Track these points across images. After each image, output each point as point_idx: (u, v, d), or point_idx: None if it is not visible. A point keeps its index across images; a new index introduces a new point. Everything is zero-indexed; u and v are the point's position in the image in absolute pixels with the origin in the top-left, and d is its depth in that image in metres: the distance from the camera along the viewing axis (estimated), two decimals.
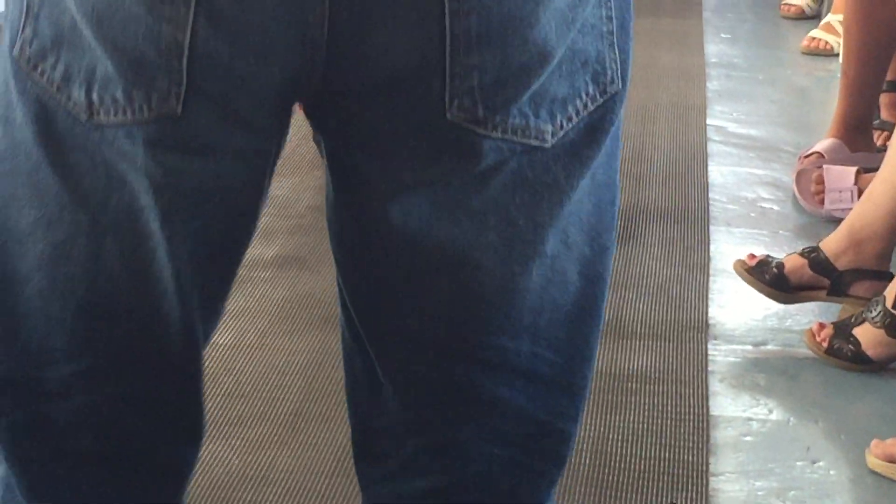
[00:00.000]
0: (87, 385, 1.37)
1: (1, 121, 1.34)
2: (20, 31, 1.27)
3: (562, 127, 1.29)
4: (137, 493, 1.43)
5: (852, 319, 2.95)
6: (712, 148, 4.13)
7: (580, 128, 1.31)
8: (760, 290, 3.08)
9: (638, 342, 3.04)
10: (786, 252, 3.37)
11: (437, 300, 1.36)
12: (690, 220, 3.63)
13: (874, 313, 2.89)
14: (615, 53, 1.32)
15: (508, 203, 1.32)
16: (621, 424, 2.71)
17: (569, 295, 1.38)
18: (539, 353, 1.38)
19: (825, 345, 2.95)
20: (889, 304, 2.88)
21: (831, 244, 3.07)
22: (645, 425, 2.72)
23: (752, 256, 3.12)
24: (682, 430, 2.69)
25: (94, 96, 1.25)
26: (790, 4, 5.49)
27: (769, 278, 3.05)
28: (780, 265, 3.07)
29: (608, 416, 2.73)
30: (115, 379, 1.38)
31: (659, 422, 2.72)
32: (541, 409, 1.41)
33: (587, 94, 1.31)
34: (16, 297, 1.36)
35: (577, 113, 1.30)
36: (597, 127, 1.32)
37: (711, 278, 3.32)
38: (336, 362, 2.77)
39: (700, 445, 2.66)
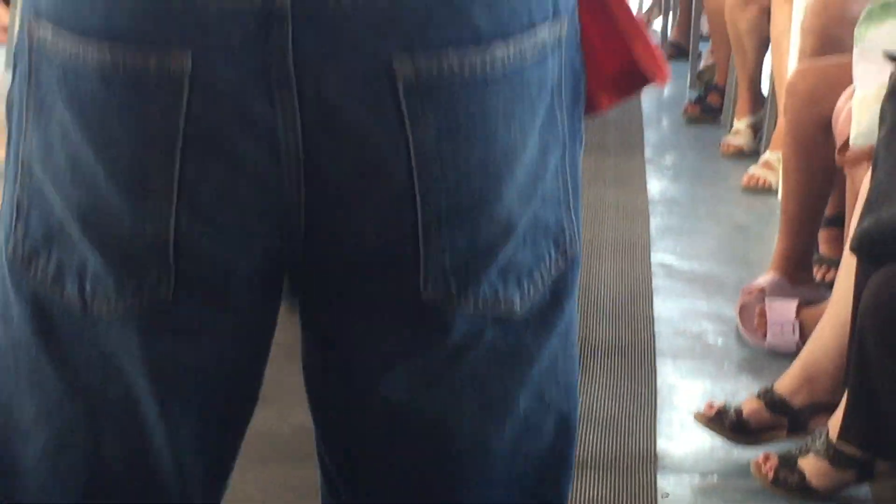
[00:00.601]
0: None
1: None
2: (13, 231, 1.29)
3: (529, 294, 1.31)
4: None
5: (797, 451, 2.95)
6: (657, 283, 4.14)
7: (546, 293, 1.32)
8: (723, 436, 3.08)
9: (589, 473, 3.02)
10: (731, 385, 3.43)
11: (416, 460, 1.36)
12: (637, 353, 3.64)
13: (818, 445, 2.91)
14: (572, 217, 1.33)
15: (483, 374, 1.32)
16: None
17: (543, 444, 1.38)
18: (512, 502, 1.39)
19: (771, 475, 2.94)
20: (832, 436, 2.86)
21: (785, 384, 3.08)
22: None
23: (710, 406, 3.10)
24: None
25: (87, 290, 1.26)
26: (729, 142, 5.54)
27: (729, 425, 3.05)
28: (739, 411, 3.06)
29: None
30: None
31: None
32: None
33: (550, 260, 1.32)
34: (22, 490, 1.36)
35: (543, 279, 1.32)
36: (561, 289, 1.34)
37: (659, 410, 3.31)
38: (295, 499, 2.78)
39: None
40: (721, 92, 6.06)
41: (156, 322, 1.27)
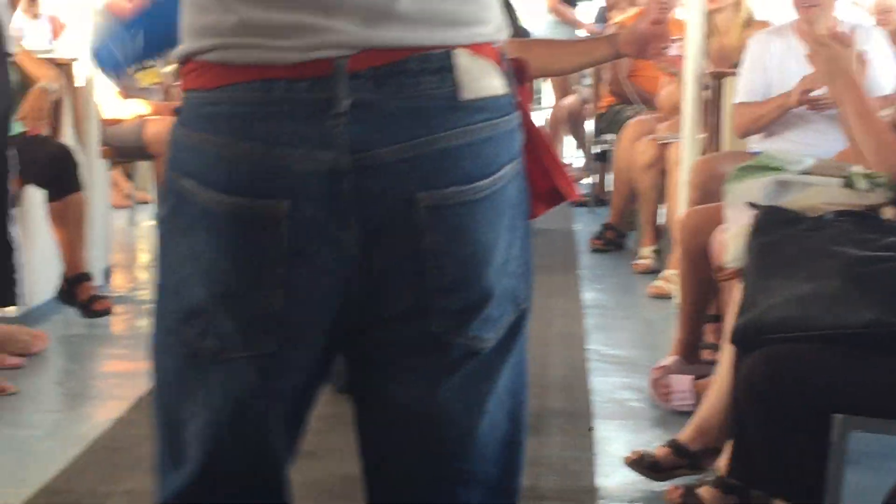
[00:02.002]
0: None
1: (165, 352, 1.43)
2: (171, 304, 1.41)
3: (496, 334, 1.38)
4: None
5: (696, 483, 2.89)
6: (591, 365, 4.11)
7: (504, 333, 1.39)
8: (644, 474, 3.04)
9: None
10: (648, 436, 3.40)
11: (426, 444, 1.42)
12: (580, 415, 3.60)
13: (711, 478, 2.87)
14: (525, 285, 1.41)
15: (467, 384, 1.39)
16: None
17: (502, 432, 1.44)
18: (489, 469, 1.44)
19: (678, 501, 2.88)
20: (721, 472, 2.80)
21: (686, 435, 3.04)
22: None
23: (634, 452, 3.07)
24: None
25: (221, 343, 1.36)
26: (639, 263, 5.50)
27: (647, 466, 3.02)
28: (654, 455, 3.03)
29: None
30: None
31: None
32: None
33: (509, 313, 1.39)
34: (182, 453, 1.43)
35: (504, 325, 1.39)
36: (514, 331, 1.41)
37: (596, 456, 3.29)
38: None
39: None
40: (615, 230, 6.01)
41: (263, 364, 1.36)
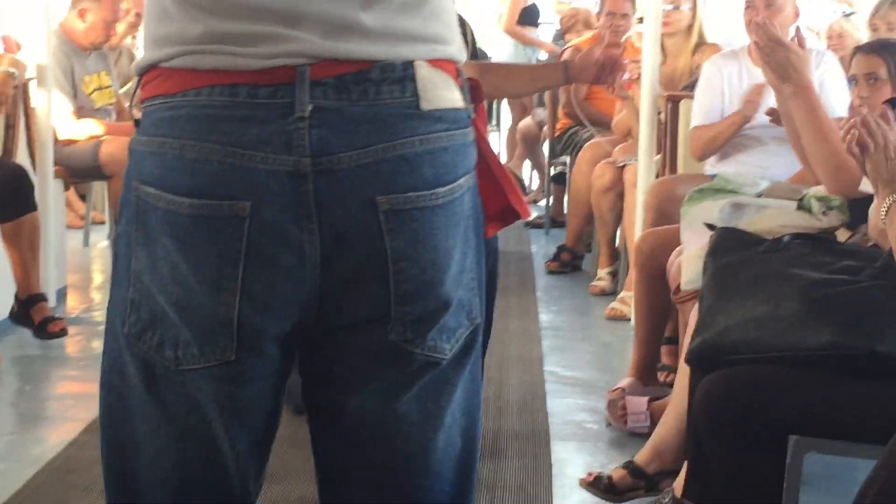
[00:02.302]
0: None
1: (118, 374, 1.40)
2: (128, 317, 1.37)
3: (452, 346, 1.40)
4: None
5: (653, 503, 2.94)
6: (549, 387, 4.10)
7: (460, 346, 1.41)
8: (600, 496, 3.02)
9: None
10: (605, 458, 3.40)
11: (382, 457, 1.43)
12: (537, 437, 3.60)
13: (666, 500, 2.87)
14: (478, 300, 1.43)
15: (424, 397, 1.41)
16: None
17: (457, 450, 1.46)
18: (444, 487, 1.46)
19: None
20: (677, 494, 2.78)
21: (642, 457, 3.03)
22: None
23: (590, 474, 3.07)
24: None
25: (179, 353, 1.35)
26: (596, 285, 5.50)
27: (604, 487, 3.01)
28: (610, 477, 3.02)
29: None
30: None
31: None
32: None
33: (464, 326, 1.41)
34: (134, 487, 1.42)
35: (459, 338, 1.41)
36: (469, 344, 1.43)
37: (554, 478, 3.28)
38: None
39: None
40: (570, 252, 6.01)
41: (222, 373, 1.35)
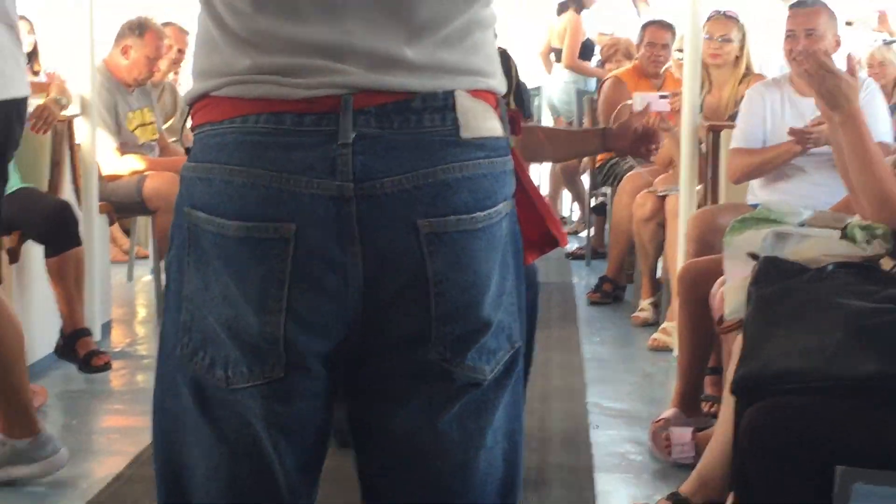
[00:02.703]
0: None
1: (171, 396, 1.43)
2: (180, 340, 1.40)
3: (493, 368, 1.41)
4: None
5: None
6: (592, 418, 4.10)
7: (501, 368, 1.42)
8: None
9: None
10: (650, 490, 3.39)
11: (422, 476, 1.44)
12: (581, 469, 3.59)
13: None
14: (518, 324, 1.44)
15: (465, 416, 1.42)
16: None
17: (499, 473, 1.46)
18: None
19: None
20: None
21: (687, 487, 3.03)
22: None
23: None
24: None
25: (229, 373, 1.37)
26: (638, 315, 5.51)
27: None
28: None
29: None
30: None
31: None
32: None
33: (504, 349, 1.42)
34: (190, 502, 1.44)
35: (500, 360, 1.42)
36: (510, 367, 1.44)
37: None
38: None
39: None
40: (612, 282, 6.02)
41: (270, 391, 1.37)
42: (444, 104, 1.35)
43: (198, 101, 1.39)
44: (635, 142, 3.28)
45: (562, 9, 8.70)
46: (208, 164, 1.37)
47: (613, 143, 3.35)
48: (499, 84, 1.43)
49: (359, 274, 1.35)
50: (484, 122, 1.38)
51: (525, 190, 1.48)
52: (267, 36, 1.34)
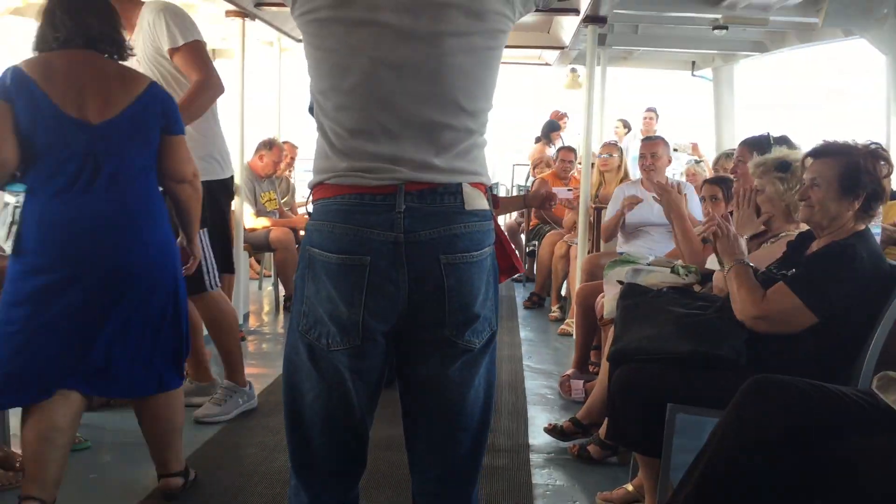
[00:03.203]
0: (329, 446, 1.43)
1: (294, 352, 1.41)
2: (301, 320, 1.39)
3: (481, 341, 1.40)
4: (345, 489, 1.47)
5: (587, 442, 2.88)
6: (526, 374, 4.06)
7: (485, 342, 1.41)
8: (556, 437, 2.99)
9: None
10: (558, 415, 3.35)
11: (436, 402, 1.42)
12: (519, 403, 3.55)
13: (595, 440, 2.86)
14: (495, 315, 1.43)
15: (464, 368, 1.40)
16: None
17: (481, 402, 1.44)
18: (474, 424, 1.44)
19: (576, 452, 2.87)
20: (602, 436, 2.82)
21: (581, 414, 3.02)
22: None
23: (550, 424, 3.04)
24: None
25: (329, 341, 1.37)
26: (552, 315, 5.41)
27: (558, 432, 2.99)
28: (562, 426, 3.00)
29: None
30: (337, 442, 1.43)
31: None
32: (477, 447, 1.47)
33: (487, 331, 1.41)
34: (301, 416, 1.43)
35: (484, 337, 1.41)
36: (489, 342, 1.42)
37: (529, 427, 3.21)
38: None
39: None
40: (538, 295, 5.93)
41: (353, 353, 1.36)
42: (455, 190, 1.35)
43: (315, 187, 1.40)
44: (542, 200, 3.30)
45: (537, 140, 8.47)
46: (321, 222, 1.37)
47: (530, 202, 3.37)
48: (487, 180, 1.43)
49: (405, 286, 1.34)
50: (477, 201, 1.38)
51: (499, 238, 1.48)
52: (357, 150, 1.34)
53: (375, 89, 1.31)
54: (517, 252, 1.43)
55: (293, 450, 1.45)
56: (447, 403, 1.42)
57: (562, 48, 6.18)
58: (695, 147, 7.50)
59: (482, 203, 1.39)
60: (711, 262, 2.79)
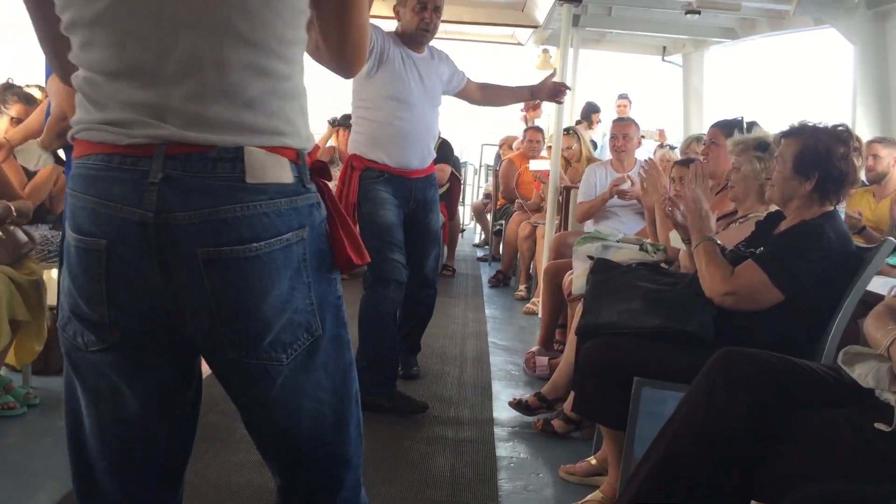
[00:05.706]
0: (111, 469, 1.17)
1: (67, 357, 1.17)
2: (61, 312, 1.15)
3: (289, 356, 1.10)
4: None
5: (551, 417, 2.88)
6: (491, 349, 4.05)
7: (303, 353, 1.11)
8: (520, 412, 2.98)
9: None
10: (523, 390, 3.35)
11: (266, 425, 1.16)
12: (484, 378, 3.54)
13: (559, 415, 2.87)
14: (316, 318, 1.11)
15: (283, 391, 1.11)
16: None
17: (329, 420, 1.16)
18: (321, 456, 1.19)
19: (540, 426, 2.88)
20: (566, 411, 2.83)
21: (545, 389, 3.02)
22: None
23: (515, 399, 3.05)
24: None
25: (85, 340, 1.12)
26: (518, 293, 5.41)
27: (523, 407, 3.01)
28: (526, 401, 3.01)
29: None
30: (121, 455, 1.17)
31: None
32: (334, 468, 1.19)
33: (303, 339, 1.10)
34: (82, 433, 1.18)
35: (297, 348, 1.10)
36: (312, 351, 1.11)
37: (493, 401, 3.20)
38: None
39: None
40: (503, 274, 5.94)
41: (113, 349, 1.11)
42: (234, 156, 1.03)
43: (73, 140, 1.12)
44: (550, 92, 3.24)
45: (577, 123, 7.89)
46: (69, 190, 1.10)
47: (537, 93, 3.28)
48: (302, 141, 1.09)
49: (157, 280, 1.06)
50: (270, 171, 1.05)
51: (333, 222, 1.15)
52: (113, 98, 1.06)
53: (126, 15, 1.01)
54: (358, 240, 1.14)
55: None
56: (274, 428, 1.14)
57: (535, 27, 6.16)
58: (661, 133, 7.55)
59: (281, 174, 1.05)
60: (675, 240, 2.81)
